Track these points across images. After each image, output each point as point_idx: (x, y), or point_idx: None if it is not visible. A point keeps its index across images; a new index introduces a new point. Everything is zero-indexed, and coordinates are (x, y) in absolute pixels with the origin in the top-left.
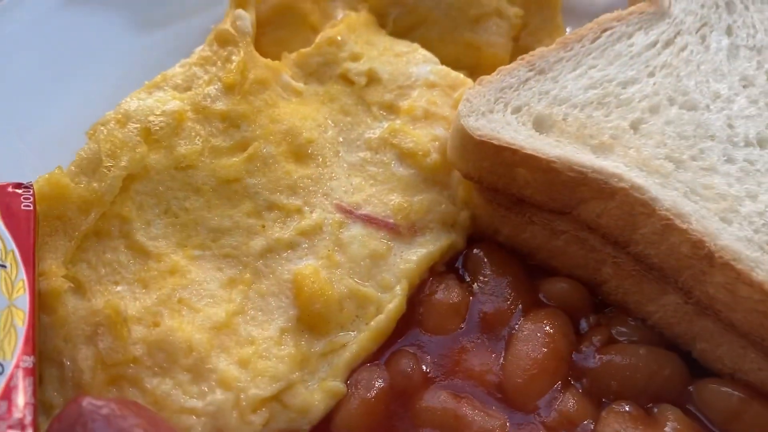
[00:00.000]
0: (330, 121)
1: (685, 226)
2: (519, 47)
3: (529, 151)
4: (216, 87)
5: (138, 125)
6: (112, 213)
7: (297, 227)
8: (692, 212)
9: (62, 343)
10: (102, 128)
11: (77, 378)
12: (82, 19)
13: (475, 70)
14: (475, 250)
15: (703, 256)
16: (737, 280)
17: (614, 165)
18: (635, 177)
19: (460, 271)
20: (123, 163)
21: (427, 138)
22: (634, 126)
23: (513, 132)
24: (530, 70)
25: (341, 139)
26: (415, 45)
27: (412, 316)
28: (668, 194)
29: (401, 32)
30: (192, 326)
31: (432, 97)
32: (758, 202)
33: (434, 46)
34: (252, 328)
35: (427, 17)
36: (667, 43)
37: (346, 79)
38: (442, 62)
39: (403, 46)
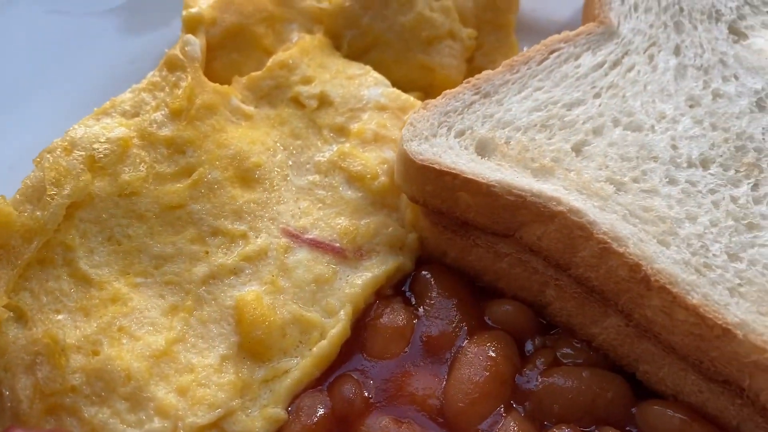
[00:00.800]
0: (280, 145)
1: (622, 250)
2: (473, 68)
3: (470, 176)
4: (163, 113)
5: (83, 153)
6: (55, 241)
7: (241, 253)
8: (630, 235)
9: (2, 373)
10: (48, 156)
11: (15, 408)
12: (46, 35)
13: (429, 92)
14: (422, 273)
15: (640, 280)
16: (673, 303)
17: (553, 188)
18: (573, 200)
19: (407, 294)
20: (66, 191)
21: (376, 161)
22: (577, 148)
23: (455, 156)
24: (475, 93)
25: (290, 163)
26: (368, 68)
27: (357, 340)
28: (607, 217)
29: (356, 54)
30: (131, 355)
31: (382, 120)
32: (697, 224)
33: (389, 67)
34: (192, 356)
35: (381, 39)
36: (615, 64)
37: (297, 102)
38: (397, 84)
39: (355, 68)
